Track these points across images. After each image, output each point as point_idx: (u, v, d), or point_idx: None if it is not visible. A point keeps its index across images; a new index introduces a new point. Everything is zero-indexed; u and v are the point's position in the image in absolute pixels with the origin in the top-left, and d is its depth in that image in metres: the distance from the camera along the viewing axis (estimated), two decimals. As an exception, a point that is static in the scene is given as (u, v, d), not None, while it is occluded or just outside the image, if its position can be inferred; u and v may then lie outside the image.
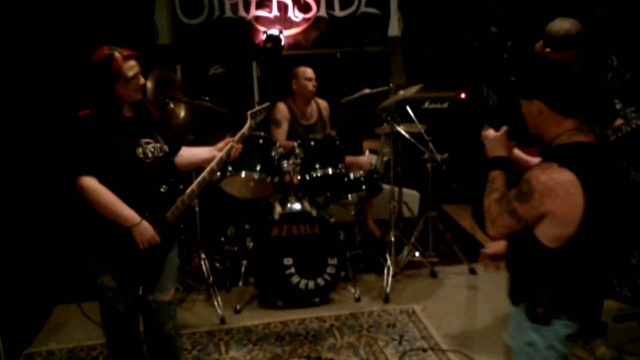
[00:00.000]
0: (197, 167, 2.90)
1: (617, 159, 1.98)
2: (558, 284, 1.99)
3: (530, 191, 1.89)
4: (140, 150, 2.55)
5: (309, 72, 4.50)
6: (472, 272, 4.32)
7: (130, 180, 2.52)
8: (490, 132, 2.20)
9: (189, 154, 2.87)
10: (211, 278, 4.03)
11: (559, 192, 1.85)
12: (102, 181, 2.48)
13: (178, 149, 2.84)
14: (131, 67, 2.49)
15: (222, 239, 4.59)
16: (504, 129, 2.19)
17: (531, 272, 2.03)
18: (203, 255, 4.11)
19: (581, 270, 1.99)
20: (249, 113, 2.91)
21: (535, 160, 2.90)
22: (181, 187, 2.71)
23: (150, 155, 2.57)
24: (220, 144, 2.81)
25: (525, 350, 2.06)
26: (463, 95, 5.52)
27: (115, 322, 2.72)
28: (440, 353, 3.33)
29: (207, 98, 4.15)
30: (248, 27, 5.45)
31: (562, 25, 2.85)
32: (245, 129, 2.85)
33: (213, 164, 2.73)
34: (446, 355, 3.31)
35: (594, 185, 1.87)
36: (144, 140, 2.57)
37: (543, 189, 1.86)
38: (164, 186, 2.62)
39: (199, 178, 2.71)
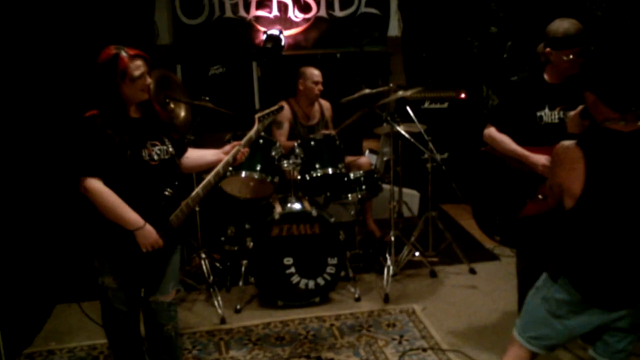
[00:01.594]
0: (202, 170, 2.89)
1: None
2: (562, 247, 2.23)
3: (551, 162, 2.26)
4: (147, 152, 2.54)
5: (317, 75, 4.47)
6: (472, 272, 4.32)
7: (135, 182, 2.51)
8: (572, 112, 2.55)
9: (195, 156, 2.85)
10: (211, 278, 4.03)
11: (565, 165, 2.12)
12: (107, 182, 2.47)
13: (184, 151, 2.83)
14: (137, 67, 2.47)
15: (222, 238, 4.59)
16: (579, 108, 2.45)
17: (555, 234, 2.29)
18: (203, 255, 4.11)
19: (579, 242, 2.18)
20: (256, 116, 2.89)
21: (537, 156, 2.92)
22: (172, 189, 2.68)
23: (156, 157, 2.56)
24: (227, 147, 2.79)
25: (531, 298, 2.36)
26: (463, 95, 5.52)
27: (115, 322, 2.72)
28: (440, 353, 3.33)
29: (207, 98, 4.15)
30: (248, 27, 5.45)
31: (560, 25, 2.86)
32: (252, 132, 2.84)
33: (219, 167, 2.72)
34: (446, 355, 3.32)
35: (601, 167, 2.05)
36: (150, 142, 2.56)
37: (556, 160, 2.18)
38: (168, 189, 2.61)
39: (204, 181, 2.69)
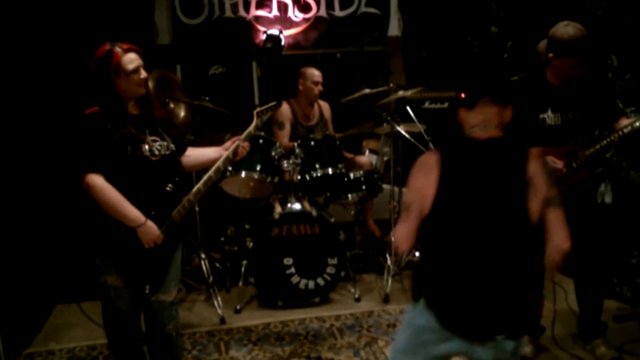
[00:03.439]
0: (204, 168, 2.89)
1: (510, 157, 2.01)
2: (421, 263, 2.11)
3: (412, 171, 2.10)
4: (147, 147, 2.54)
5: (317, 75, 4.48)
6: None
7: (137, 177, 2.52)
8: None
9: (196, 154, 2.86)
10: (211, 278, 4.03)
11: (423, 169, 2.02)
12: (108, 178, 2.47)
13: (184, 149, 2.83)
14: (131, 60, 2.48)
15: (222, 239, 4.59)
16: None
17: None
18: (203, 255, 4.11)
19: (434, 257, 2.05)
20: (255, 112, 2.91)
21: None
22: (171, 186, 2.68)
23: (156, 153, 2.56)
24: (227, 144, 2.80)
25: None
26: (463, 95, 5.51)
27: (116, 321, 2.71)
28: (440, 353, 3.33)
29: (207, 98, 4.15)
30: (248, 27, 5.44)
31: (566, 30, 2.83)
32: (251, 127, 2.85)
33: (219, 162, 2.73)
34: (446, 355, 3.31)
35: (453, 173, 1.97)
36: (150, 138, 2.57)
37: (416, 166, 2.06)
38: (170, 185, 2.61)
39: (205, 177, 2.70)
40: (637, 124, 2.81)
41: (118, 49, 2.47)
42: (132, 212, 2.49)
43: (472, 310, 1.96)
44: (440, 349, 2.02)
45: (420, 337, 2.04)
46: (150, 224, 2.53)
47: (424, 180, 1.99)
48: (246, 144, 2.81)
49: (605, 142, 2.88)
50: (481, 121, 2.03)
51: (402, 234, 2.01)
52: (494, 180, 1.97)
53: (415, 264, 2.10)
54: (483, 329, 1.97)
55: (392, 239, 4.19)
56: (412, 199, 2.03)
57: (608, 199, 3.90)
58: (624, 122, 2.90)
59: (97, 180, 2.46)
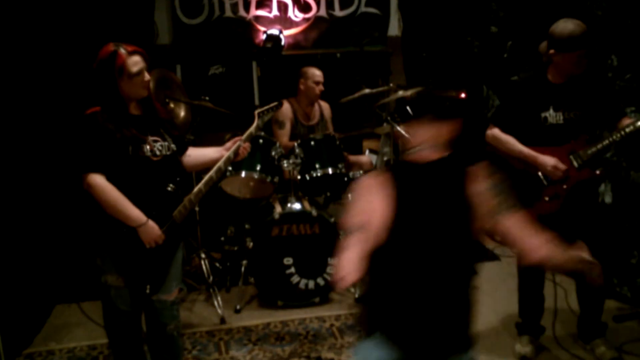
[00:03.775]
0: (204, 168, 2.90)
1: (449, 179, 1.95)
2: (372, 292, 1.99)
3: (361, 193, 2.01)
4: (148, 147, 2.54)
5: (318, 75, 4.48)
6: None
7: (138, 177, 2.52)
8: None
9: (197, 154, 2.87)
10: (211, 278, 4.03)
11: (373, 189, 1.94)
12: (109, 178, 2.47)
13: (185, 149, 2.84)
14: (135, 63, 2.48)
15: (222, 238, 4.58)
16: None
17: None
18: (203, 255, 4.11)
19: (383, 286, 1.94)
20: (256, 112, 2.91)
21: (546, 157, 2.92)
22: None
23: (158, 153, 2.57)
24: (228, 144, 2.81)
25: None
26: (463, 95, 5.50)
27: (117, 321, 2.71)
28: (440, 353, 3.33)
29: (207, 98, 4.15)
30: (248, 27, 5.44)
31: (565, 26, 2.84)
32: (252, 128, 2.86)
33: (220, 163, 2.74)
34: (446, 355, 3.31)
35: (400, 198, 1.90)
36: (151, 138, 2.57)
37: (360, 189, 1.99)
38: (171, 185, 2.62)
39: (206, 177, 2.71)
40: (639, 123, 2.81)
41: (122, 51, 2.47)
42: (133, 212, 2.49)
43: (428, 334, 1.91)
44: None
45: None
46: (152, 223, 2.53)
47: (372, 203, 1.90)
48: (247, 145, 2.82)
49: (607, 141, 2.88)
50: (423, 141, 1.94)
51: (352, 262, 1.82)
52: (435, 205, 1.91)
53: (363, 297, 1.99)
54: (439, 351, 1.93)
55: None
56: (361, 219, 1.91)
57: (608, 199, 3.90)
58: (626, 121, 2.90)
59: (98, 180, 2.46)
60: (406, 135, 1.92)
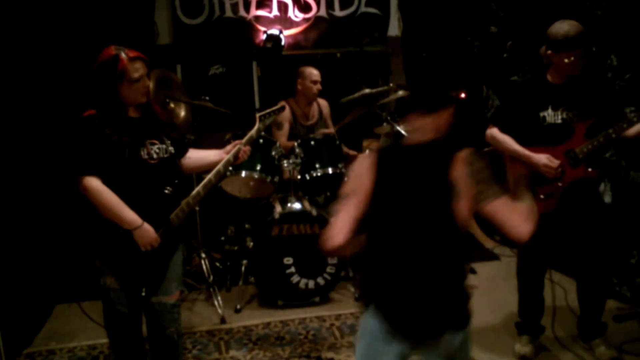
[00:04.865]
0: (204, 170, 2.90)
1: (434, 162, 2.02)
2: (363, 265, 2.09)
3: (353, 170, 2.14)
4: (145, 151, 2.54)
5: (315, 74, 4.48)
6: (472, 271, 4.32)
7: (134, 181, 2.52)
8: None
9: (197, 156, 2.86)
10: (211, 277, 4.03)
11: (363, 166, 2.06)
12: (106, 182, 2.47)
13: (185, 151, 2.83)
14: (136, 69, 2.47)
15: (222, 238, 4.59)
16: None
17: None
18: (203, 255, 4.12)
19: (372, 259, 2.05)
20: (258, 115, 2.90)
21: (538, 156, 2.92)
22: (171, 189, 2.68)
23: (155, 156, 2.56)
24: (229, 147, 2.81)
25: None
26: (463, 95, 5.51)
27: (117, 323, 2.72)
28: (440, 352, 3.33)
29: (207, 98, 4.15)
30: (248, 27, 5.44)
31: (561, 27, 2.86)
32: (253, 131, 2.86)
33: (220, 166, 2.73)
34: (446, 354, 3.31)
35: (383, 176, 2.01)
36: (149, 141, 2.56)
37: (354, 163, 2.14)
38: (168, 187, 2.61)
39: (205, 180, 2.70)
40: (635, 119, 2.81)
41: (124, 56, 2.46)
42: (129, 215, 2.49)
43: (416, 309, 1.97)
44: (392, 352, 2.00)
45: (373, 343, 2.02)
46: (147, 226, 2.52)
47: (362, 178, 2.03)
48: (247, 148, 2.82)
49: (602, 138, 2.88)
50: (414, 128, 2.08)
51: (338, 225, 1.97)
52: (418, 185, 2.00)
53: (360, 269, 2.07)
54: (429, 328, 1.98)
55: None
56: (351, 189, 2.05)
57: (608, 199, 3.90)
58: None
59: (93, 183, 2.46)
60: (403, 132, 2.00)
